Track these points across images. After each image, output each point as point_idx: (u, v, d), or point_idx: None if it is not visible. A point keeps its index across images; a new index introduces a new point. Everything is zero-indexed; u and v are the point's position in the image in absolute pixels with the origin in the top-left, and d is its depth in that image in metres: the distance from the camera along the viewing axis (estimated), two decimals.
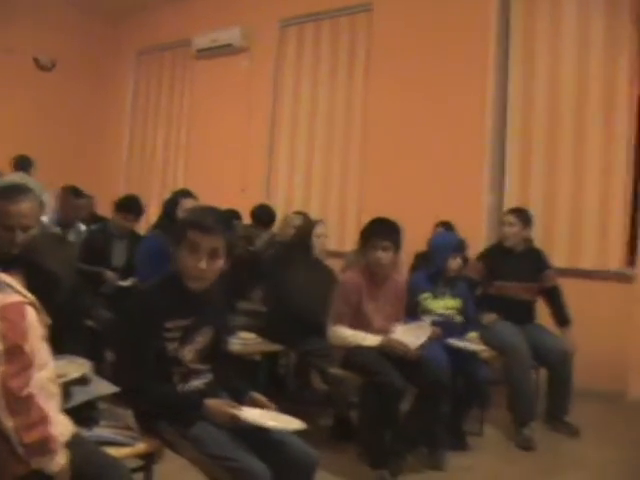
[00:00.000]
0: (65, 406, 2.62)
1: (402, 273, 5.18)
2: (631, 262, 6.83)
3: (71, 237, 6.49)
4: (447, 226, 6.86)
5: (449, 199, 7.47)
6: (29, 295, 2.38)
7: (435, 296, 5.13)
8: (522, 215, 5.87)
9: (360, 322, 4.57)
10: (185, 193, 5.91)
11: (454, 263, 5.15)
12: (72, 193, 6.73)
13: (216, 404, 2.89)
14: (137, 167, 11.22)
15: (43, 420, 2.28)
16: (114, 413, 3.03)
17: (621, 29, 6.97)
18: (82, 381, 2.93)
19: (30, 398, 2.26)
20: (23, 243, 3.00)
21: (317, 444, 3.00)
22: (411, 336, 4.49)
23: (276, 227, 7.56)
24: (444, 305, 5.13)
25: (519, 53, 7.60)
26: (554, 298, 5.87)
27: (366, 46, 8.71)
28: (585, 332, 5.93)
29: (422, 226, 6.45)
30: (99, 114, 11.44)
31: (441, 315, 5.07)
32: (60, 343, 2.61)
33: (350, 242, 7.24)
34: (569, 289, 5.96)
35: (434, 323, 4.86)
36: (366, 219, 4.80)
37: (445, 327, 4.92)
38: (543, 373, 5.66)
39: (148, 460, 2.96)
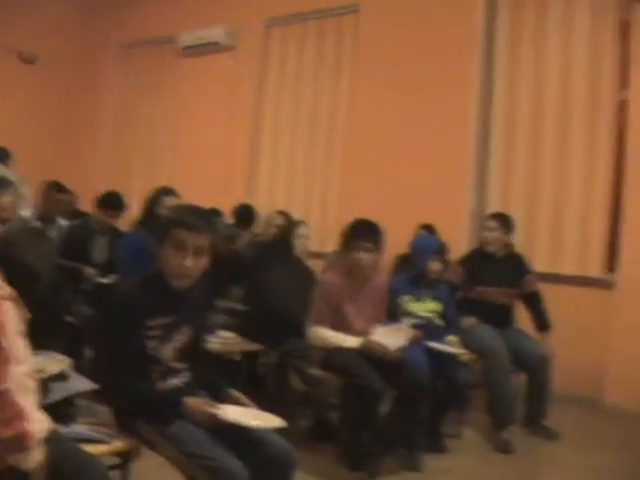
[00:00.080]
0: (43, 402, 2.60)
1: (383, 275, 5.17)
2: (611, 269, 6.86)
3: (52, 232, 6.46)
4: (429, 229, 6.86)
5: (431, 202, 7.48)
6: (7, 289, 2.35)
7: (416, 299, 5.15)
8: (503, 220, 5.88)
9: (340, 323, 4.57)
10: (167, 191, 5.89)
11: (434, 266, 5.16)
12: (54, 188, 6.70)
13: (195, 403, 2.88)
14: (120, 163, 11.15)
15: (20, 416, 2.25)
16: (92, 410, 3.01)
17: (605, 33, 7.01)
18: (61, 377, 2.91)
19: (6, 394, 2.23)
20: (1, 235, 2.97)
21: (296, 445, 2.99)
22: (391, 338, 4.49)
23: (258, 226, 7.55)
24: (425, 308, 5.14)
25: (504, 56, 7.63)
26: (535, 303, 5.89)
27: (352, 48, 8.72)
28: (564, 337, 5.98)
29: (404, 228, 6.46)
30: (82, 109, 11.37)
31: (422, 318, 5.08)
32: (39, 339, 2.59)
33: (331, 243, 7.23)
34: (549, 294, 5.99)
35: (414, 326, 4.86)
36: (348, 220, 4.79)
37: (425, 330, 4.92)
38: (522, 377, 5.67)
39: (125, 458, 2.94)
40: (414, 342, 4.67)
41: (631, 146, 6.73)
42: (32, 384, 2.42)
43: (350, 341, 4.47)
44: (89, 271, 6.12)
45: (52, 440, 2.40)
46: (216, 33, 9.70)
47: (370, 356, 4.38)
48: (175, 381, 3.04)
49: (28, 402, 2.33)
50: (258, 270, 5.62)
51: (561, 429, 5.55)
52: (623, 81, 6.94)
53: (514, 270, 5.87)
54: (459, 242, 6.87)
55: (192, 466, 2.78)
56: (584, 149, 7.07)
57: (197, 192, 6.51)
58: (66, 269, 5.95)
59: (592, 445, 5.44)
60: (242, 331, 5.40)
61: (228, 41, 9.67)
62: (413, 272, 5.26)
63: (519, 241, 6.50)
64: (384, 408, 4.41)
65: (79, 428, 2.81)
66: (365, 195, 7.95)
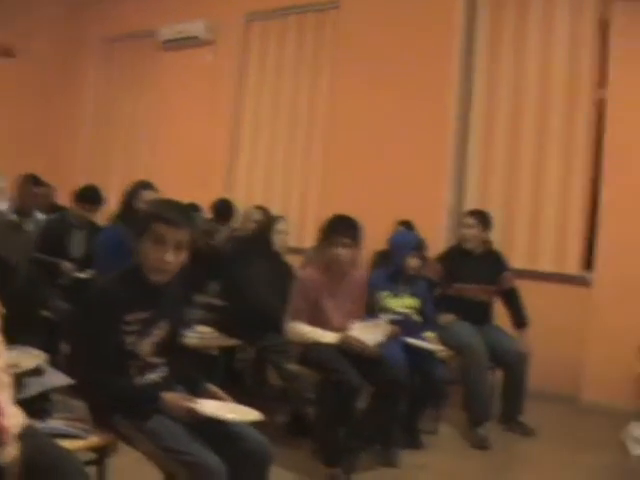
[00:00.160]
0: (18, 397, 2.58)
1: (361, 270, 5.17)
2: (588, 266, 6.90)
3: (29, 226, 6.42)
4: (407, 225, 6.87)
5: (410, 198, 7.49)
6: None
7: (394, 295, 5.15)
8: (482, 217, 5.89)
9: (318, 319, 4.56)
10: (145, 185, 5.86)
11: (412, 262, 5.16)
12: (31, 181, 6.65)
13: (173, 397, 2.87)
14: (99, 157, 11.09)
15: None
16: (68, 405, 2.99)
17: (584, 32, 7.05)
18: (36, 372, 2.90)
19: None
20: None
21: (272, 440, 2.99)
22: (369, 334, 4.49)
23: (236, 221, 7.53)
24: (403, 304, 5.15)
25: (484, 55, 7.65)
26: (512, 300, 5.91)
27: (332, 44, 8.70)
28: (541, 334, 6.01)
29: (382, 224, 6.45)
30: (62, 102, 11.27)
31: (399, 314, 5.09)
32: (15, 333, 2.58)
33: (310, 239, 7.23)
34: (527, 291, 6.02)
35: (392, 321, 4.87)
36: (327, 216, 4.78)
37: (403, 326, 4.93)
38: (499, 374, 5.69)
39: (102, 453, 2.93)
40: (392, 338, 4.68)
41: (608, 145, 6.76)
42: (7, 379, 2.41)
43: (328, 337, 4.46)
44: (66, 265, 6.09)
45: (27, 435, 2.39)
46: (196, 27, 9.65)
47: (348, 352, 4.37)
48: (152, 376, 3.03)
49: (3, 397, 2.32)
50: (237, 265, 5.61)
51: (537, 426, 5.58)
52: (601, 80, 6.97)
53: (492, 267, 5.89)
54: (437, 239, 6.89)
55: (170, 461, 2.77)
56: (562, 147, 7.10)
57: (176, 186, 6.48)
58: (43, 263, 5.92)
59: (568, 442, 5.48)
60: (220, 326, 5.39)
61: (208, 35, 9.63)
62: (391, 268, 5.27)
63: (497, 238, 6.52)
64: (361, 404, 4.41)
65: (55, 423, 2.79)
66: (344, 191, 7.94)
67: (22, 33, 10.65)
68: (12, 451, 2.29)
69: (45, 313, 5.42)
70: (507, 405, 5.65)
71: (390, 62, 7.97)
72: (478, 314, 5.76)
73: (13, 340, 2.62)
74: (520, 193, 7.31)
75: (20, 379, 2.71)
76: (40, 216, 6.72)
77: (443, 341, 5.20)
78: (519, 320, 5.86)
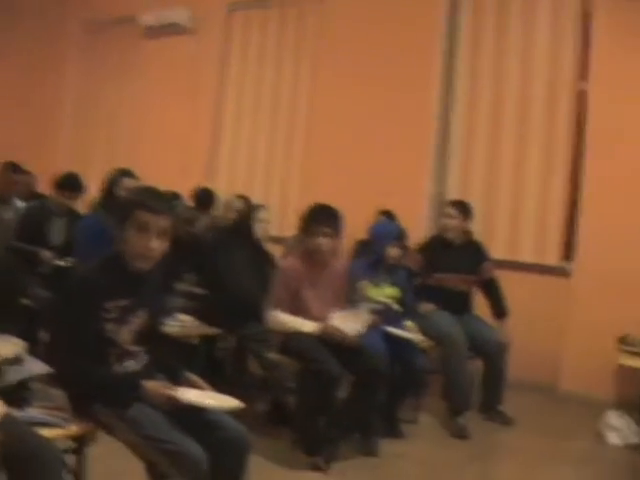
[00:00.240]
0: None
1: (342, 260, 5.17)
2: (568, 257, 6.93)
3: (8, 214, 6.38)
4: (388, 215, 6.87)
5: (391, 188, 7.48)
6: None
7: (374, 284, 5.15)
8: (462, 207, 5.91)
9: (299, 308, 4.56)
10: (126, 172, 5.83)
11: (393, 251, 5.16)
12: (10, 169, 6.60)
13: (153, 385, 2.86)
14: (79, 145, 11.00)
15: None
16: (47, 394, 2.98)
17: (566, 25, 7.07)
18: (15, 361, 2.88)
19: None
20: None
21: (252, 429, 3.00)
22: (349, 323, 4.49)
23: (217, 210, 7.51)
24: (383, 293, 5.15)
25: (466, 47, 7.65)
26: (492, 290, 5.94)
27: (314, 36, 8.68)
28: (521, 324, 6.04)
29: (363, 214, 6.45)
30: (43, 89, 11.16)
31: (380, 303, 5.09)
32: None
33: (291, 228, 7.22)
34: (507, 282, 6.05)
35: (373, 311, 4.87)
36: (308, 205, 4.79)
37: (383, 315, 4.94)
38: (478, 363, 5.72)
39: (81, 442, 2.92)
40: (372, 327, 4.68)
41: (589, 137, 6.78)
42: None
43: (308, 326, 4.47)
44: (45, 254, 6.04)
45: (6, 424, 2.39)
46: (179, 15, 9.59)
47: (328, 341, 4.39)
48: (132, 364, 3.02)
49: None
50: (217, 254, 5.60)
51: (516, 415, 5.62)
52: (583, 72, 6.99)
53: (472, 257, 5.91)
54: (418, 228, 6.89)
55: (150, 450, 2.77)
56: (543, 139, 7.13)
57: (157, 174, 6.44)
58: (22, 252, 5.88)
59: (546, 431, 5.52)
60: (200, 315, 5.37)
61: (190, 23, 9.57)
62: (372, 258, 5.27)
63: (478, 228, 6.53)
64: (341, 393, 4.42)
65: (34, 412, 2.78)
66: (325, 180, 7.93)
67: (1, 19, 10.56)
68: None
69: (25, 301, 5.39)
70: (487, 394, 5.68)
71: (372, 53, 7.96)
72: (458, 304, 5.78)
73: None
74: (501, 184, 7.33)
75: None
76: (20, 204, 6.67)
77: (423, 331, 5.22)
78: (499, 310, 5.89)
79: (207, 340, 5.49)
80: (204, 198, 7.62)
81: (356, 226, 5.75)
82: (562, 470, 4.70)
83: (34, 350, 3.27)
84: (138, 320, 3.02)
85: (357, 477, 4.31)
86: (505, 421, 5.56)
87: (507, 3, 7.41)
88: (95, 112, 10.91)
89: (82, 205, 6.68)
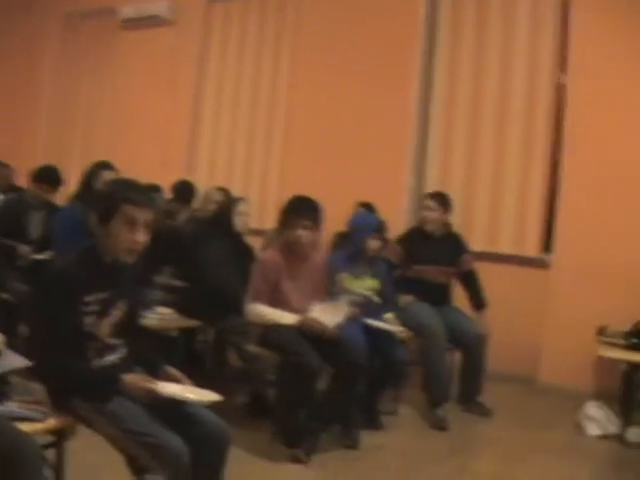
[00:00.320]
0: None
1: (322, 252, 5.18)
2: (547, 249, 6.97)
3: None
4: (368, 207, 6.87)
5: (371, 180, 7.49)
6: None
7: (354, 276, 5.15)
8: (442, 200, 5.92)
9: (278, 300, 4.57)
10: (105, 165, 5.81)
11: (373, 244, 5.17)
12: None
13: (133, 379, 2.85)
14: (57, 137, 10.94)
15: None
16: (27, 388, 2.96)
17: (545, 17, 7.09)
18: None
19: None
20: None
21: (232, 421, 3.00)
22: (329, 315, 4.50)
23: (197, 203, 7.50)
24: (363, 285, 5.16)
25: (446, 39, 7.65)
26: (471, 282, 5.97)
27: (293, 30, 8.65)
28: (500, 316, 6.07)
29: (343, 206, 6.45)
30: (18, 80, 11.10)
31: (359, 295, 5.09)
32: None
33: (271, 220, 7.21)
34: (487, 273, 6.09)
35: (352, 303, 4.88)
36: (287, 197, 4.78)
37: (363, 307, 4.95)
38: (458, 355, 5.74)
39: (60, 436, 2.90)
40: (352, 319, 4.69)
41: (568, 129, 6.81)
42: None
43: (288, 318, 4.47)
44: (23, 249, 5.99)
45: None
46: (158, 6, 9.54)
47: (308, 333, 4.39)
48: (111, 357, 3.01)
49: None
50: (197, 246, 5.58)
51: (495, 406, 5.65)
52: (562, 65, 7.01)
53: (452, 249, 5.93)
54: (398, 221, 6.91)
55: (131, 443, 2.77)
56: (522, 132, 7.15)
57: (136, 167, 6.41)
58: (0, 246, 5.85)
59: (525, 422, 5.56)
60: (180, 307, 5.35)
61: (169, 15, 9.52)
62: (351, 250, 5.27)
63: (457, 220, 6.56)
64: (321, 385, 4.43)
65: (13, 406, 2.76)
66: (305, 173, 7.92)
67: None
68: None
69: (3, 295, 5.37)
70: (466, 386, 5.71)
71: (351, 47, 7.95)
72: (437, 296, 5.80)
73: None
74: (480, 176, 7.35)
75: None
76: None
77: (402, 322, 5.23)
78: (478, 302, 5.92)
79: (186, 333, 5.49)
80: (184, 191, 7.60)
81: (336, 218, 5.75)
82: (542, 461, 4.73)
83: (13, 344, 3.25)
84: (117, 312, 3.02)
85: (337, 469, 4.31)
86: (484, 412, 5.59)
87: None
88: (74, 105, 10.83)
89: (60, 198, 6.64)
